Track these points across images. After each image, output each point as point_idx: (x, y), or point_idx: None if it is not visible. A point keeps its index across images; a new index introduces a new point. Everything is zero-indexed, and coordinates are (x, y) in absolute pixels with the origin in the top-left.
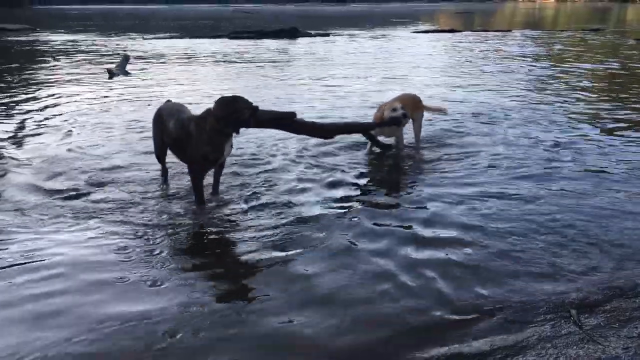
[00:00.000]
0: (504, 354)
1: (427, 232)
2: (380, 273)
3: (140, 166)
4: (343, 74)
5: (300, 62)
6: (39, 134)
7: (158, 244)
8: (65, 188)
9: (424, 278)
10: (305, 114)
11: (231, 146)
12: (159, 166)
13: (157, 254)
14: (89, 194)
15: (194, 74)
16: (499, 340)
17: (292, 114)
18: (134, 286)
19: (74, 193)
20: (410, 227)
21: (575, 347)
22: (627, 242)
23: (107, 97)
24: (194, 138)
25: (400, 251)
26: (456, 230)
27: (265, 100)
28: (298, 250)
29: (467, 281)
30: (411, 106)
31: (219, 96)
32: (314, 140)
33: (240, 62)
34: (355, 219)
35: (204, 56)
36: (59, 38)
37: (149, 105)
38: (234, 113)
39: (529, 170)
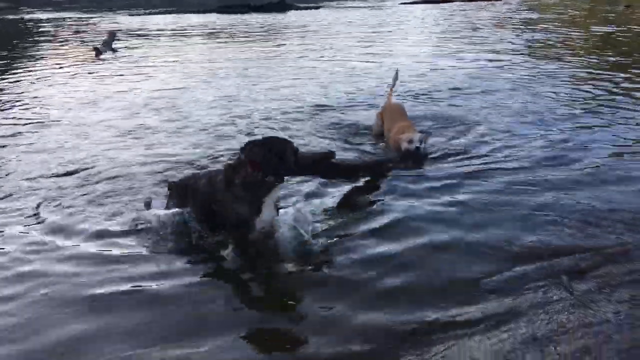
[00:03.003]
0: (496, 321)
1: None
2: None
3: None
4: (336, 48)
5: (292, 37)
6: (18, 124)
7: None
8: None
9: (422, 251)
10: (302, 94)
11: (276, 206)
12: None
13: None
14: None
15: (184, 50)
16: (491, 307)
17: (331, 154)
18: None
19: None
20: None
21: (566, 312)
22: (618, 208)
23: (93, 78)
24: (223, 193)
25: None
26: (448, 202)
27: (261, 80)
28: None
29: (460, 251)
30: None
31: (251, 138)
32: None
33: (231, 38)
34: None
35: (193, 31)
36: (43, 16)
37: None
38: (278, 156)
39: (525, 140)
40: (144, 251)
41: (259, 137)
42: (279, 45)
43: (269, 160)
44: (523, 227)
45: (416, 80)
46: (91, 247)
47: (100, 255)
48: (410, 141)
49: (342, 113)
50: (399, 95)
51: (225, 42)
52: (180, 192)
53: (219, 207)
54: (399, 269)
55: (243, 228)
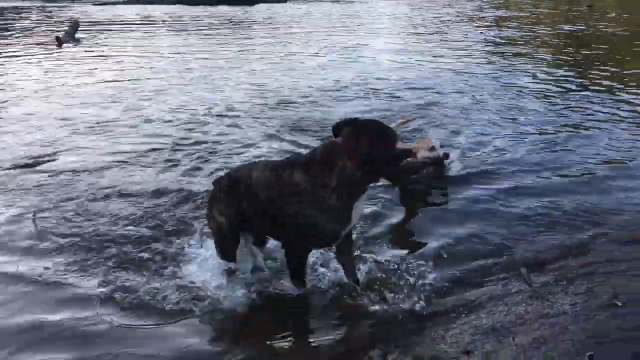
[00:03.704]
0: (457, 313)
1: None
2: None
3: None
4: (303, 41)
5: (259, 29)
6: None
7: None
8: None
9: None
10: (267, 87)
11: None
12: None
13: None
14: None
15: (148, 41)
16: (451, 300)
17: (410, 152)
18: None
19: None
20: None
21: (524, 304)
22: (578, 202)
23: (54, 69)
24: (304, 196)
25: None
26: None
27: (226, 72)
28: None
29: (420, 244)
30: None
31: (344, 119)
32: None
33: (197, 29)
34: None
35: (158, 22)
36: (4, 4)
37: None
38: (387, 149)
39: (495, 139)
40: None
41: (353, 116)
42: (246, 38)
43: (377, 153)
44: (485, 222)
45: (383, 78)
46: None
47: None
48: (432, 148)
49: (304, 108)
50: (363, 92)
51: (191, 34)
52: (230, 190)
53: (293, 216)
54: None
55: (322, 238)
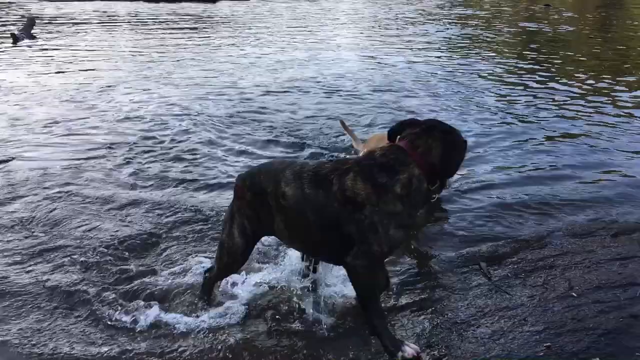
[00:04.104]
0: (417, 307)
1: None
2: None
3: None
4: (264, 40)
5: (221, 27)
6: None
7: None
8: None
9: None
10: (224, 85)
11: None
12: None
13: None
14: None
15: (106, 38)
16: (412, 295)
17: None
18: None
19: None
20: None
21: (484, 297)
22: (535, 196)
23: (8, 66)
24: (369, 207)
25: None
26: None
27: (183, 70)
28: None
29: None
30: None
31: (404, 120)
32: None
33: (159, 28)
34: None
35: (117, 20)
36: None
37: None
38: (458, 157)
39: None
40: None
41: (413, 117)
42: (207, 36)
43: (449, 161)
44: (448, 220)
45: (345, 76)
46: None
47: None
48: None
49: (265, 106)
50: (324, 90)
51: (151, 31)
52: (256, 205)
53: (364, 230)
54: None
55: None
